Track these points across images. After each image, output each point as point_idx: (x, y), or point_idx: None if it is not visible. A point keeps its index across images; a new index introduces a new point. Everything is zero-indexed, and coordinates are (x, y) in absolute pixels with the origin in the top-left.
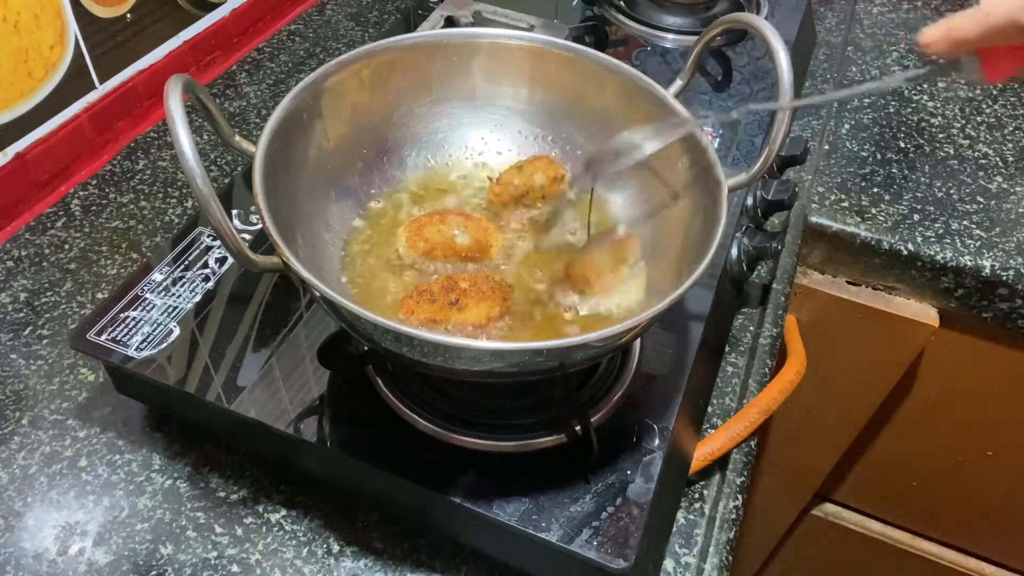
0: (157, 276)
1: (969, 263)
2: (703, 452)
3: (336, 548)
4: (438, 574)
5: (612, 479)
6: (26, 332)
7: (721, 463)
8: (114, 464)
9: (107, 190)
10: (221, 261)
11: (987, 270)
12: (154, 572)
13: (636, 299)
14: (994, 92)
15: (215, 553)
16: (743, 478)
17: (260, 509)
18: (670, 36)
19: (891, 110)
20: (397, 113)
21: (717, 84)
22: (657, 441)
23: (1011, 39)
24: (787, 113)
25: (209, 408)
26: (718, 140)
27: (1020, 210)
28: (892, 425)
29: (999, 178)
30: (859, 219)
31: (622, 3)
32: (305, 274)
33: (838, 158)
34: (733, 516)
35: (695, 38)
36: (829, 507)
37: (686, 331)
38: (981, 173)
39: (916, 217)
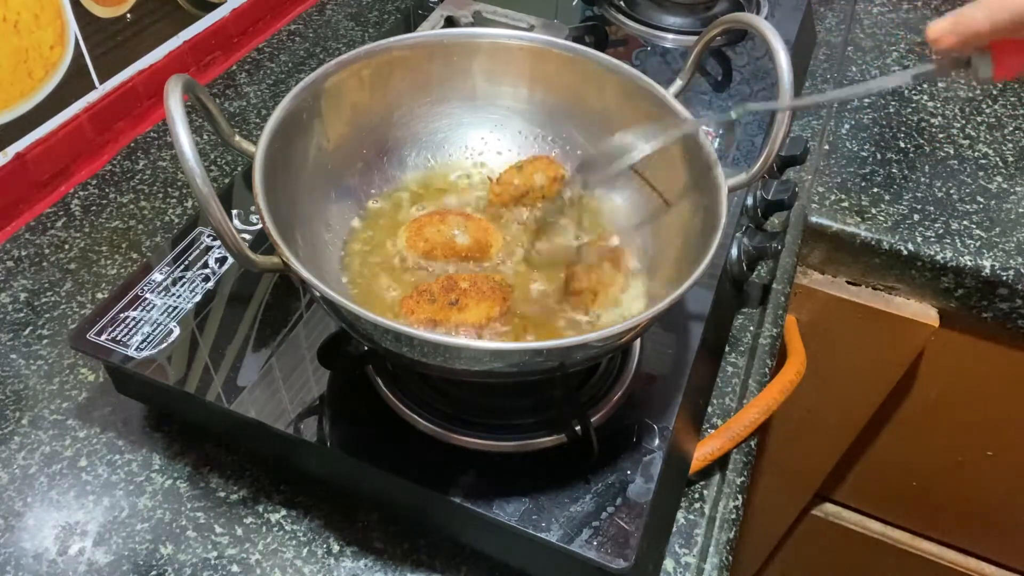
0: (157, 276)
1: (969, 263)
2: (703, 452)
3: (336, 548)
4: (438, 574)
5: (612, 479)
6: (26, 332)
7: (721, 463)
8: (114, 464)
9: (107, 190)
10: (221, 261)
11: (987, 270)
12: (154, 572)
13: (638, 309)
14: (994, 92)
15: (215, 553)
16: (743, 478)
17: (260, 509)
18: (670, 36)
19: (891, 110)
20: (397, 113)
21: (717, 84)
22: (657, 441)
23: (1021, 32)
24: (787, 113)
25: (209, 408)
26: (718, 140)
27: (1020, 210)
28: (892, 425)
29: (999, 178)
30: (859, 219)
31: (622, 3)
32: (305, 274)
33: (838, 158)
34: (733, 516)
35: (695, 38)
36: (829, 507)
37: (686, 331)
38: (981, 173)
39: (916, 217)
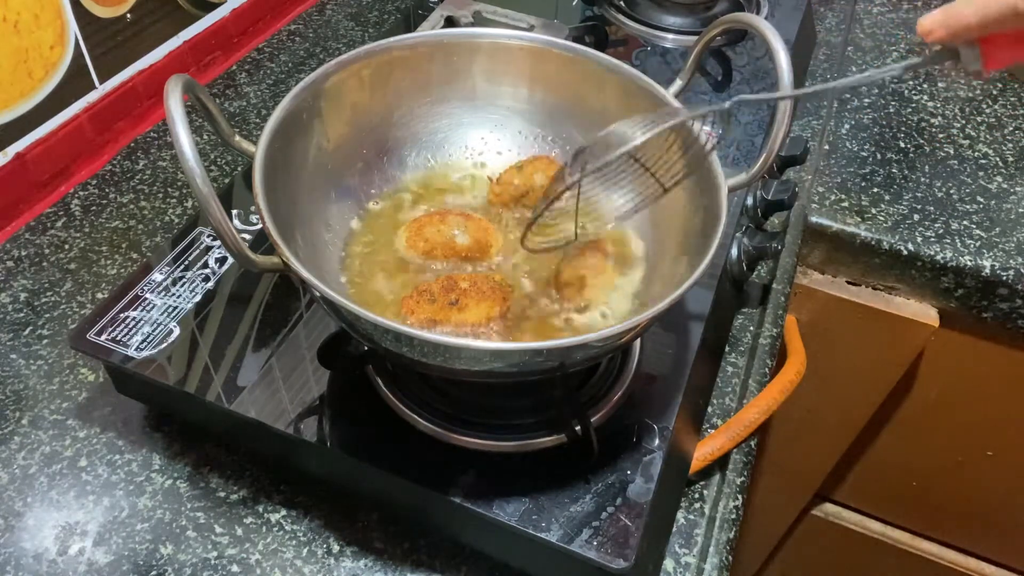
0: (157, 276)
1: (969, 263)
2: (703, 452)
3: (336, 548)
4: (438, 574)
5: (612, 479)
6: (26, 332)
7: (721, 463)
8: (114, 464)
9: (107, 190)
10: (221, 261)
11: (987, 270)
12: (154, 572)
13: (627, 309)
14: (994, 92)
15: (215, 553)
16: (743, 478)
17: (260, 509)
18: (670, 36)
19: (891, 110)
20: (397, 113)
21: (717, 84)
22: (657, 441)
23: (1010, 26)
24: (787, 113)
25: (209, 408)
26: (718, 140)
27: (1020, 210)
28: (892, 425)
29: (999, 178)
30: (859, 219)
31: (622, 3)
32: (305, 274)
33: (838, 158)
34: (733, 516)
35: (695, 38)
36: (829, 507)
37: (686, 331)
38: (981, 173)
39: (916, 217)
